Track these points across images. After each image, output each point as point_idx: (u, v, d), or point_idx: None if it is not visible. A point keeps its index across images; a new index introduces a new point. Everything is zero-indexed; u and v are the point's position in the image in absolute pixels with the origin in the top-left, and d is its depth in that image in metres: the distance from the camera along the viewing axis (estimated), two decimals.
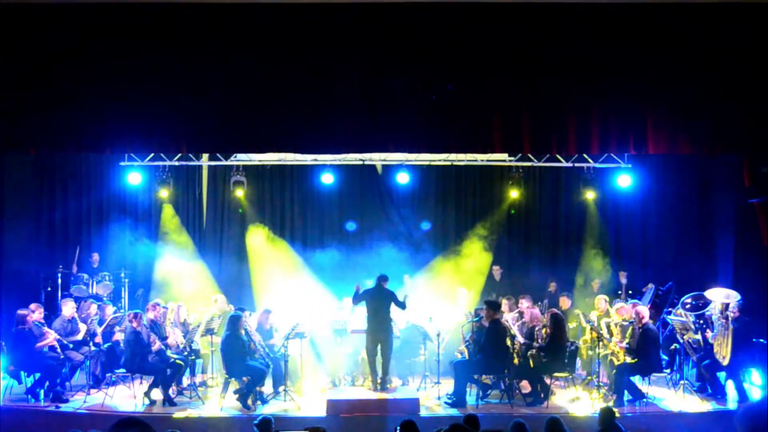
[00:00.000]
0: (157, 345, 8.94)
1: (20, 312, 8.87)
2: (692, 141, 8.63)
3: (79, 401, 8.81)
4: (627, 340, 9.02)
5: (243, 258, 12.44)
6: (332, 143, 8.85)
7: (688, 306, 9.63)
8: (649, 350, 8.74)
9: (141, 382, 9.17)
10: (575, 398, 9.14)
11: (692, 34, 8.20)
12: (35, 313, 8.96)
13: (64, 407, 8.62)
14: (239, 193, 12.18)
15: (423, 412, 8.49)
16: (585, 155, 11.30)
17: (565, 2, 8.14)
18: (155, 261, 11.89)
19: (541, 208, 12.73)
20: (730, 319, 9.03)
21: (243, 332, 8.88)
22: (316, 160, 11.88)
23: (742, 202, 8.98)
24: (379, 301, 9.30)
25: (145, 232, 12.16)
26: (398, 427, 5.64)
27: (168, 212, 12.18)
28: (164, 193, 11.90)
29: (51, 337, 8.90)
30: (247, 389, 8.71)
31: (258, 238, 12.34)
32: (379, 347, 9.22)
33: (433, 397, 9.16)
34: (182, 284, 11.30)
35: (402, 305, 9.40)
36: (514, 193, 12.23)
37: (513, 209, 12.57)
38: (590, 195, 12.04)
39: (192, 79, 8.29)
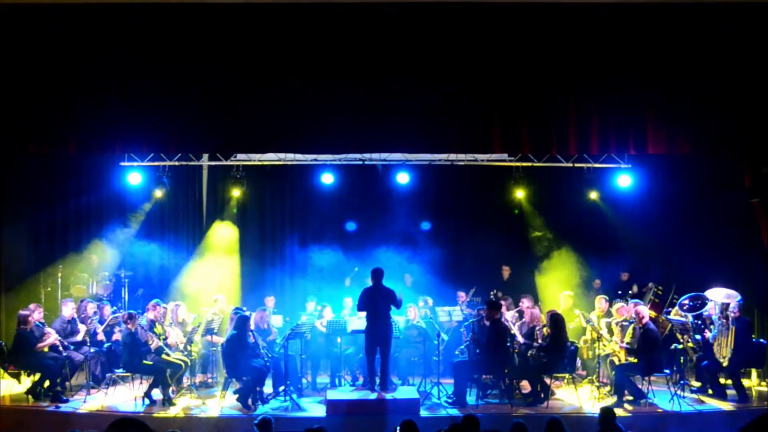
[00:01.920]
0: (155, 343, 8.93)
1: (22, 312, 8.89)
2: (692, 141, 8.63)
3: (79, 401, 8.81)
4: (627, 340, 9.02)
5: (243, 257, 12.44)
6: (332, 143, 8.85)
7: (685, 307, 9.63)
8: (649, 350, 8.73)
9: (141, 382, 9.17)
10: (575, 398, 9.12)
11: (692, 34, 8.21)
12: (35, 313, 8.97)
13: (64, 407, 8.61)
14: (238, 193, 12.17)
15: (423, 412, 8.48)
16: (585, 155, 11.29)
17: (565, 2, 8.14)
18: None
19: (542, 208, 12.71)
20: (730, 319, 9.03)
21: (250, 334, 8.89)
22: (316, 160, 11.88)
23: (742, 202, 8.95)
24: (377, 299, 9.05)
25: (144, 232, 12.16)
26: (398, 427, 5.64)
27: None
28: (159, 192, 11.87)
29: (53, 337, 8.92)
30: (247, 389, 8.71)
31: (253, 237, 12.34)
32: (378, 347, 9.18)
33: (433, 397, 9.16)
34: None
35: (398, 304, 9.12)
36: (520, 193, 12.21)
37: (516, 209, 12.57)
38: (591, 195, 12.05)
39: (192, 79, 8.30)
